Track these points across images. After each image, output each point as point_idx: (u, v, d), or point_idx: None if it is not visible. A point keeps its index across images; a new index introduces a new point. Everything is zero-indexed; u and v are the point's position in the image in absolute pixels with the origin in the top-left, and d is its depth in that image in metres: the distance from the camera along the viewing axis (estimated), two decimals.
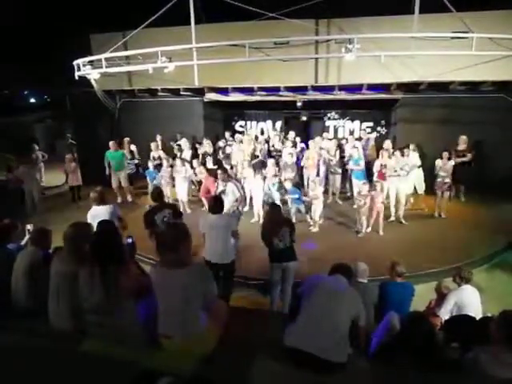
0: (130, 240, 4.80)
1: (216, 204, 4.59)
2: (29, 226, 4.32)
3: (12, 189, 8.78)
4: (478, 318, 3.22)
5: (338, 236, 7.00)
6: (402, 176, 7.37)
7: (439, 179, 7.66)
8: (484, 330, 2.49)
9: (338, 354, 2.32)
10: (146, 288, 2.60)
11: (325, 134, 9.93)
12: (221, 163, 8.71)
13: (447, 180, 7.57)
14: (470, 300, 3.60)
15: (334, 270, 3.05)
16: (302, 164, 8.61)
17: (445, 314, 3.67)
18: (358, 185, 7.58)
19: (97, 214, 4.62)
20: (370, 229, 7.08)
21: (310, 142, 8.74)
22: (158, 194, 5.16)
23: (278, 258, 4.58)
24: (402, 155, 7.70)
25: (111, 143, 9.00)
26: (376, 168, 7.66)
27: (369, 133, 10.09)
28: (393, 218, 7.57)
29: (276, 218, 4.70)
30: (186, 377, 2.01)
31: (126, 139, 9.69)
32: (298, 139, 9.34)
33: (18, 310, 3.01)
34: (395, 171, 7.36)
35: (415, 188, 8.10)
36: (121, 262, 2.47)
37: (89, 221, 4.54)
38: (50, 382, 2.04)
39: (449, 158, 7.65)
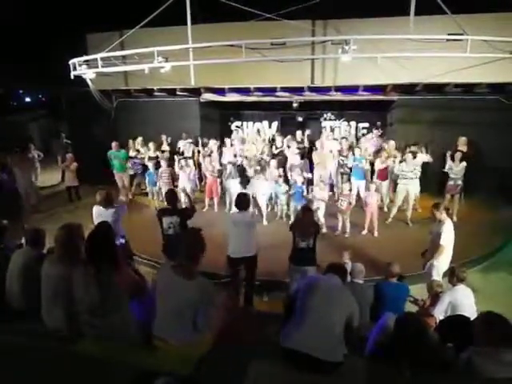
0: (122, 240, 4.80)
1: (242, 200, 4.64)
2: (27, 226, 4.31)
3: (6, 189, 8.69)
4: (472, 318, 3.23)
5: (333, 237, 6.99)
6: (414, 178, 7.24)
7: (451, 182, 7.44)
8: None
9: (334, 353, 2.32)
10: (140, 289, 2.59)
11: (329, 134, 9.66)
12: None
13: (459, 182, 7.39)
14: (464, 300, 3.62)
15: (328, 269, 3.07)
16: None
17: (439, 313, 3.68)
18: (358, 184, 7.60)
19: (101, 215, 4.68)
20: (365, 231, 7.05)
21: (317, 142, 8.68)
22: (170, 196, 4.99)
23: (297, 259, 4.60)
24: (414, 157, 7.34)
25: (114, 143, 8.95)
26: (377, 168, 7.65)
27: (380, 136, 9.56)
28: (390, 220, 7.55)
29: (306, 220, 4.70)
30: (182, 377, 2.01)
31: (139, 139, 9.56)
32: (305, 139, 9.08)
33: (12, 311, 2.98)
34: (408, 172, 7.19)
35: None
36: (113, 262, 2.46)
37: (94, 219, 4.61)
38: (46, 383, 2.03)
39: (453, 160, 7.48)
